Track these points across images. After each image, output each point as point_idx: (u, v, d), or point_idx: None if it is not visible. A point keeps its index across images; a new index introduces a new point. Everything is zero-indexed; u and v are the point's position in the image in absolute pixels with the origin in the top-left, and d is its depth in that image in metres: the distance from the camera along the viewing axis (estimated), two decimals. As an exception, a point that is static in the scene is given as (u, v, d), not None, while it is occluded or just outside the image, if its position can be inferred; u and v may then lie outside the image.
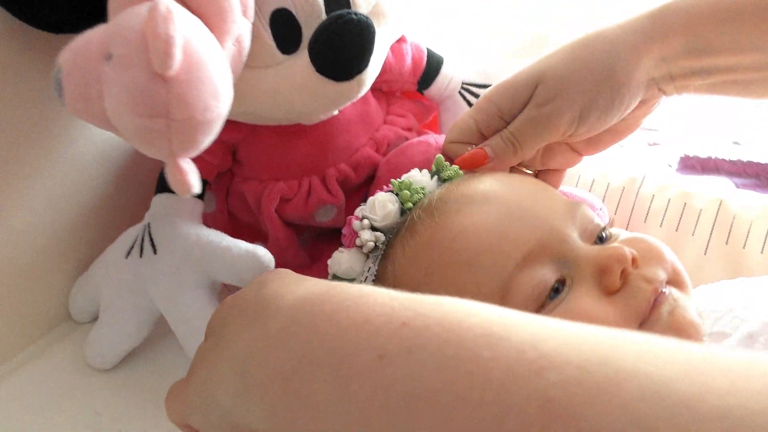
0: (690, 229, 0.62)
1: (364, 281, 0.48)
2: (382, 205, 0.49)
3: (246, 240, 0.57)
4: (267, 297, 0.35)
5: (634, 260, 0.43)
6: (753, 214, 0.60)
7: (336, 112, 0.59)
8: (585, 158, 0.58)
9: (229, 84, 0.40)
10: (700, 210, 0.62)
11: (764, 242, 0.59)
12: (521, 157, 0.52)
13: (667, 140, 0.86)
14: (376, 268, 0.48)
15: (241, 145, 0.60)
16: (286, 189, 0.60)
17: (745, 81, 0.50)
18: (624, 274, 0.42)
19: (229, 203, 0.64)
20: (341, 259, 0.49)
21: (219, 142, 0.58)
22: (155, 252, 0.55)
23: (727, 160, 0.80)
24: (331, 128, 0.60)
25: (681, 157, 0.82)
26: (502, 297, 0.41)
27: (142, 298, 0.55)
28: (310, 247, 0.67)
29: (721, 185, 0.63)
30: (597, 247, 0.44)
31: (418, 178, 0.51)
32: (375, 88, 0.63)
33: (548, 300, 0.42)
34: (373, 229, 0.49)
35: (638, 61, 0.49)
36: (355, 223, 0.49)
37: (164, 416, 0.39)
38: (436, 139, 0.60)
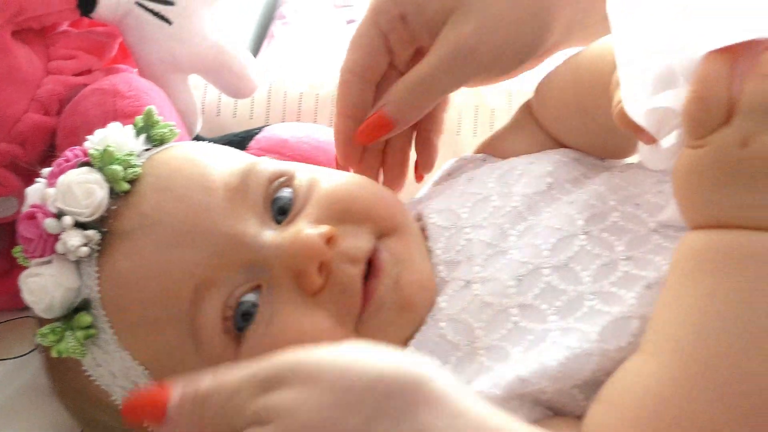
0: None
1: (92, 303, 0.37)
2: (85, 191, 0.37)
3: None
4: None
5: (330, 239, 0.36)
6: (461, 99, 0.61)
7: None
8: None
9: None
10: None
11: (475, 125, 0.61)
12: None
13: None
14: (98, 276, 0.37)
15: None
16: (-67, 194, 0.47)
17: None
18: (324, 268, 0.36)
19: None
20: (43, 285, 0.36)
21: None
22: None
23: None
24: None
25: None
26: (196, 349, 0.36)
27: None
28: (6, 250, 0.54)
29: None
30: (285, 238, 0.36)
31: (120, 138, 0.40)
32: (22, 29, 0.50)
33: (244, 324, 0.36)
34: (80, 226, 0.37)
35: None
36: (49, 223, 0.37)
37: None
38: (112, 82, 0.49)
